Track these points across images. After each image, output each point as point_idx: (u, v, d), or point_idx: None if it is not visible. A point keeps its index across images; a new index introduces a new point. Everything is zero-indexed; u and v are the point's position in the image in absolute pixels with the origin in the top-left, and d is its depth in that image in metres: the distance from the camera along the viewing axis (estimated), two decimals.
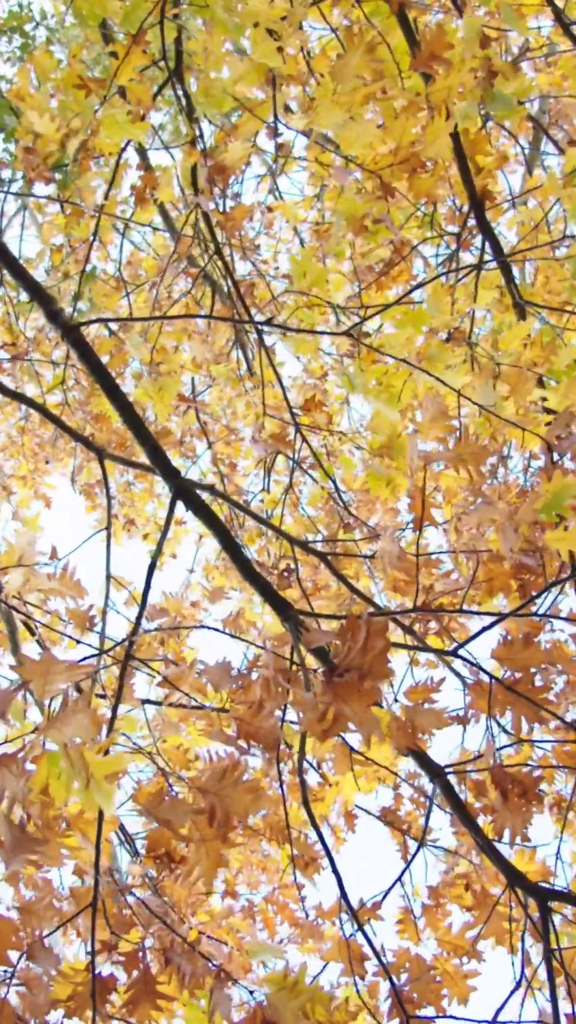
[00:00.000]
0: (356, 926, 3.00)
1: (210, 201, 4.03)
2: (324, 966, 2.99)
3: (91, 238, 4.10)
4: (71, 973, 2.45)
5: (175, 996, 2.46)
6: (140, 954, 2.70)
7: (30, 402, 3.93)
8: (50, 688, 2.07)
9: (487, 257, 3.95)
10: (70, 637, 3.12)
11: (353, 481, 5.47)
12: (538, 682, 2.80)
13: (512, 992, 2.83)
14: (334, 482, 4.81)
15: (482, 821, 3.43)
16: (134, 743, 3.63)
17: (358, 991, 2.90)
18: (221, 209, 4.30)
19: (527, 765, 2.94)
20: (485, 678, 2.84)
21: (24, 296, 5.29)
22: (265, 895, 4.35)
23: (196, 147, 4.17)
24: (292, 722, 2.99)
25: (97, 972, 2.42)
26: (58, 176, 4.26)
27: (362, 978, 2.98)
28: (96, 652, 3.29)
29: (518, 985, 2.88)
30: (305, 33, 3.58)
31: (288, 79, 3.67)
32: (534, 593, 3.15)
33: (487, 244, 3.89)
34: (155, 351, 4.65)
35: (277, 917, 4.25)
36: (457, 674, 4.75)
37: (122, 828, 3.86)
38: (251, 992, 2.47)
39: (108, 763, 1.82)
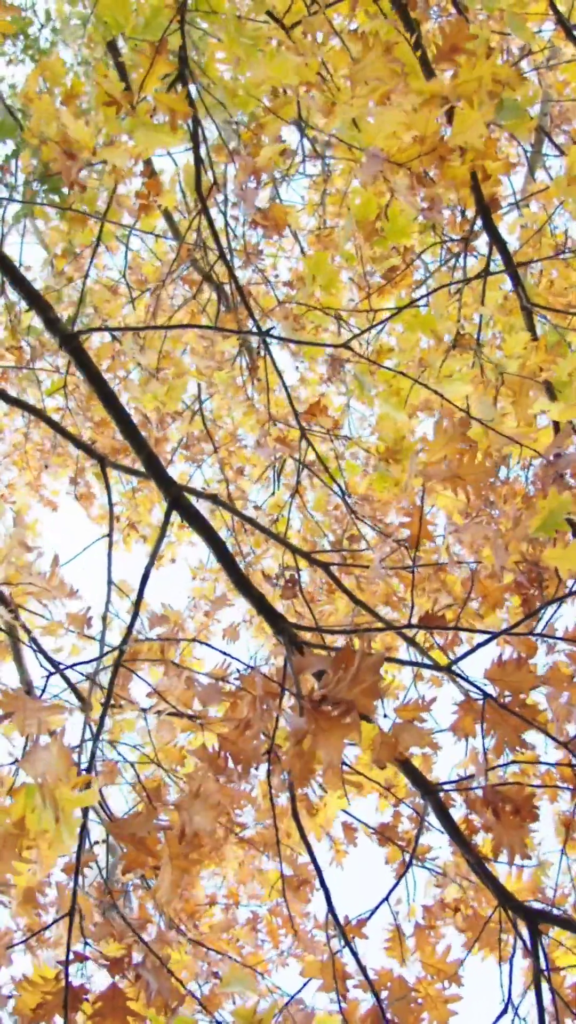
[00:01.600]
0: (343, 943, 2.97)
1: (213, 207, 4.01)
2: (303, 984, 2.97)
3: (94, 244, 4.09)
4: (40, 982, 2.44)
5: (144, 1014, 2.44)
6: (128, 962, 2.70)
7: (32, 409, 3.94)
8: (30, 723, 2.09)
9: (495, 261, 3.89)
10: (48, 658, 3.11)
11: (357, 486, 5.42)
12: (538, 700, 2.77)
13: (499, 1016, 2.79)
14: (340, 486, 4.76)
15: (483, 838, 3.38)
16: (134, 748, 3.65)
17: (341, 1011, 2.87)
18: (223, 215, 4.28)
19: (520, 784, 2.90)
20: (477, 695, 2.81)
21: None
22: (270, 907, 4.33)
23: (199, 149, 4.16)
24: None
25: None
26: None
27: (344, 997, 2.95)
28: (92, 658, 3.31)
29: (505, 1010, 2.84)
30: (320, 44, 3.55)
31: (308, 86, 3.63)
32: (530, 612, 3.11)
33: (494, 249, 3.83)
34: (160, 357, 4.64)
35: (282, 930, 4.23)
36: (462, 689, 4.70)
37: None
38: (218, 1022, 2.45)
39: (78, 799, 1.82)
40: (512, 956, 3.00)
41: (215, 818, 2.18)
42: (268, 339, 4.56)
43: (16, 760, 2.38)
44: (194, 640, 3.13)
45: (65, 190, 4.23)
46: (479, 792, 2.99)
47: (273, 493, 5.37)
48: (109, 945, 2.89)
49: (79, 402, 5.69)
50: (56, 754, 2.16)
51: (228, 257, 4.60)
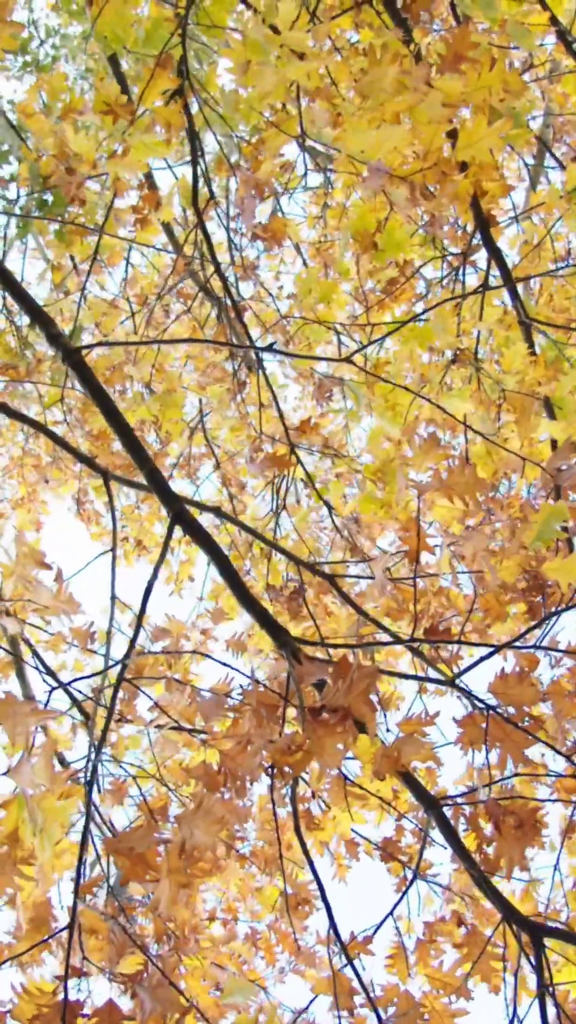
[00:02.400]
0: (346, 959, 2.96)
1: (210, 220, 4.01)
2: (311, 1000, 2.95)
3: (92, 258, 4.10)
4: (37, 994, 2.43)
5: None
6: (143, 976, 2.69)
7: (34, 423, 3.93)
8: (19, 730, 2.08)
9: (494, 276, 3.89)
10: (52, 674, 3.11)
11: (341, 506, 5.40)
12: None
13: None
14: (327, 504, 4.75)
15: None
16: (139, 766, 3.63)
17: None
18: (226, 230, 4.29)
19: (523, 797, 2.90)
20: (481, 709, 2.81)
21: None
22: (269, 923, 4.31)
23: (198, 163, 4.17)
24: None
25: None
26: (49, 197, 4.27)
27: (350, 1012, 2.94)
28: (95, 673, 3.30)
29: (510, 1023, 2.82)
30: (330, 53, 3.55)
31: (314, 93, 3.63)
32: (533, 623, 3.11)
33: (493, 264, 3.83)
34: (155, 370, 4.64)
35: (279, 947, 4.21)
36: (468, 700, 4.68)
37: None
38: None
39: (59, 810, 1.82)
40: (516, 972, 2.99)
41: (216, 832, 2.17)
42: (267, 354, 4.56)
43: (8, 770, 2.37)
44: (196, 653, 3.12)
45: (70, 207, 4.24)
46: (482, 806, 2.99)
47: (275, 511, 5.35)
48: (124, 961, 2.88)
49: (76, 415, 5.69)
50: (44, 764, 2.15)
51: (224, 271, 4.60)
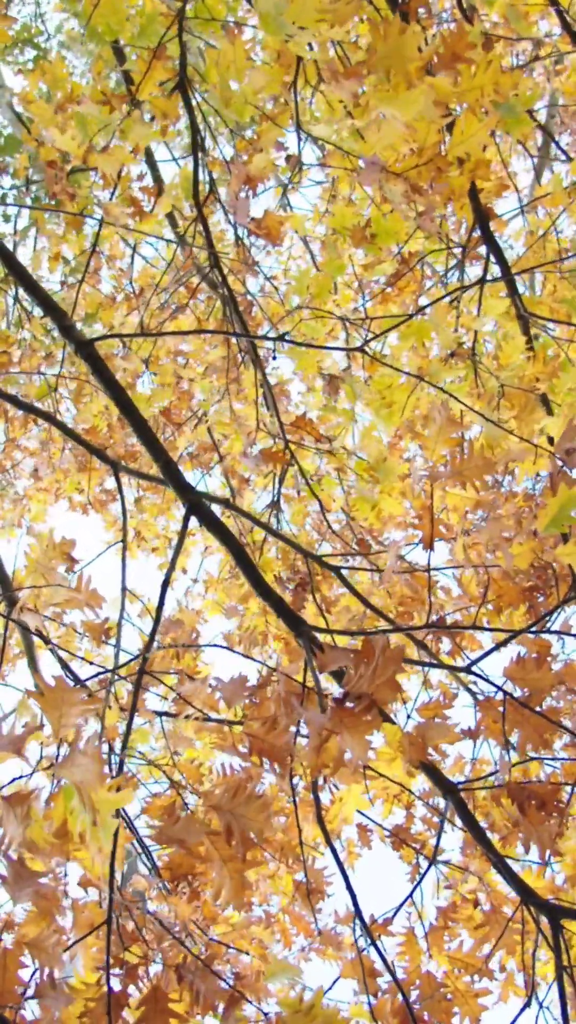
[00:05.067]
0: (369, 941, 3.00)
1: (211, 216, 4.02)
2: (334, 980, 2.99)
3: (90, 250, 4.10)
4: (82, 989, 2.45)
5: (186, 1015, 2.45)
6: (145, 969, 2.71)
7: (46, 415, 3.93)
8: (65, 722, 2.07)
9: (492, 270, 3.92)
10: (80, 658, 3.12)
11: (332, 502, 5.40)
12: (551, 702, 2.81)
13: (522, 1010, 2.83)
14: (319, 501, 4.75)
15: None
16: (149, 759, 3.64)
17: (370, 1008, 2.89)
18: (232, 226, 4.30)
19: (537, 782, 2.94)
20: (497, 695, 2.84)
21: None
22: (282, 906, 4.34)
23: (199, 156, 4.19)
24: (305, 736, 2.99)
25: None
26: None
27: (375, 995, 2.97)
28: (110, 668, 3.31)
29: (528, 1003, 2.87)
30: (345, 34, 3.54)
31: (336, 75, 3.62)
32: (545, 611, 3.15)
33: (492, 257, 3.87)
34: (149, 362, 4.66)
35: (293, 928, 4.24)
36: (470, 691, 4.74)
37: (139, 839, 3.88)
38: (265, 1014, 2.46)
39: (113, 800, 1.83)
40: (535, 952, 3.04)
41: (267, 818, 2.19)
42: (257, 348, 4.57)
43: (52, 764, 2.37)
44: (214, 645, 3.14)
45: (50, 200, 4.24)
46: (491, 793, 3.03)
47: (277, 503, 5.36)
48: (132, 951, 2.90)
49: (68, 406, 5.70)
50: (92, 756, 2.15)
51: (228, 265, 4.61)
